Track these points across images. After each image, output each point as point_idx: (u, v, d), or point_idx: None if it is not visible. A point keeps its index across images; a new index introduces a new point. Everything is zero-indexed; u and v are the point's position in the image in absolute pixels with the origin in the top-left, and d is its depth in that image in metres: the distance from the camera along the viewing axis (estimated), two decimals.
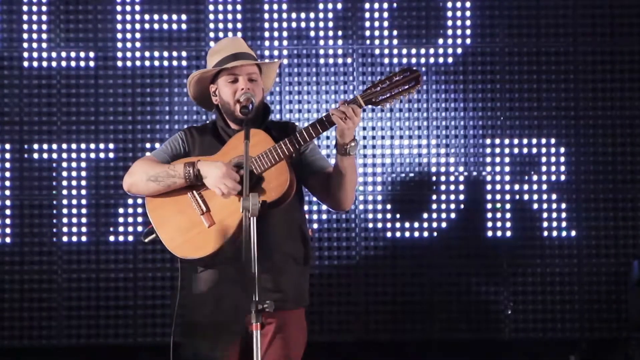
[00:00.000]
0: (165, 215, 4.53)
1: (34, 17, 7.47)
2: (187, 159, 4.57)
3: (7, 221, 7.41)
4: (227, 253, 4.45)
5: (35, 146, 7.45)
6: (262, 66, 4.68)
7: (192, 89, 4.69)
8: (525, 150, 7.52)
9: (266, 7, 7.52)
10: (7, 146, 7.44)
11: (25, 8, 7.46)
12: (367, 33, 7.53)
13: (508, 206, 7.50)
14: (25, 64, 7.46)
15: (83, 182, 7.45)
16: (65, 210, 7.42)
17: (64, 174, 7.44)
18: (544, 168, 7.51)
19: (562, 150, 7.53)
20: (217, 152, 4.57)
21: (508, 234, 7.50)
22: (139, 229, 7.39)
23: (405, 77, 4.43)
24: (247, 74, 4.59)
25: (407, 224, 7.49)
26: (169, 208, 4.54)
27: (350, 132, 4.40)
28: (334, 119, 4.38)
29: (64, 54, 7.47)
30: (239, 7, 7.52)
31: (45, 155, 7.46)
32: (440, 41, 7.54)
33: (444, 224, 7.48)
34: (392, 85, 4.43)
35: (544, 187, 7.51)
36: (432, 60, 7.53)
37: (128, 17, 7.50)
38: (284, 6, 7.51)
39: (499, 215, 7.51)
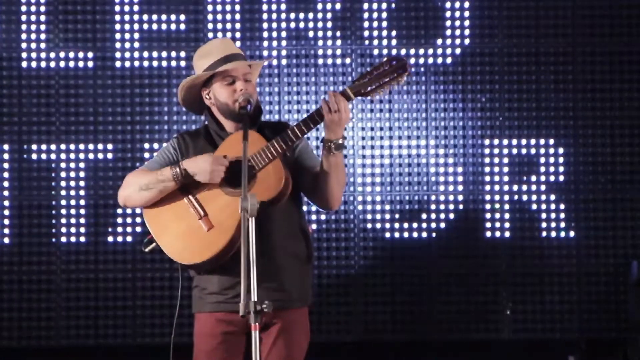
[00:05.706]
0: (163, 224, 4.53)
1: (33, 18, 7.46)
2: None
3: (6, 221, 7.41)
4: (228, 255, 4.45)
5: (34, 147, 7.45)
6: (252, 65, 4.70)
7: (184, 93, 4.67)
8: (524, 150, 7.52)
9: (265, 7, 7.51)
10: (6, 147, 7.43)
11: (23, 8, 7.45)
12: (366, 33, 7.52)
13: (507, 207, 7.50)
14: (24, 64, 7.46)
15: (82, 183, 7.44)
16: (64, 211, 7.42)
17: (63, 174, 7.44)
18: (542, 168, 7.51)
19: (561, 150, 7.52)
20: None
21: (507, 234, 7.50)
22: (138, 229, 7.39)
23: (391, 66, 4.46)
24: (243, 74, 4.60)
25: (405, 224, 7.48)
26: (166, 216, 4.53)
27: (338, 128, 4.41)
28: (322, 110, 4.40)
29: (62, 55, 7.47)
30: (237, 7, 7.51)
31: (44, 156, 7.45)
32: (439, 41, 7.53)
33: (442, 224, 7.48)
34: (379, 75, 4.46)
35: (543, 187, 7.50)
36: (430, 60, 7.52)
37: (127, 17, 7.49)
38: (283, 6, 7.51)
39: (497, 215, 7.50)
